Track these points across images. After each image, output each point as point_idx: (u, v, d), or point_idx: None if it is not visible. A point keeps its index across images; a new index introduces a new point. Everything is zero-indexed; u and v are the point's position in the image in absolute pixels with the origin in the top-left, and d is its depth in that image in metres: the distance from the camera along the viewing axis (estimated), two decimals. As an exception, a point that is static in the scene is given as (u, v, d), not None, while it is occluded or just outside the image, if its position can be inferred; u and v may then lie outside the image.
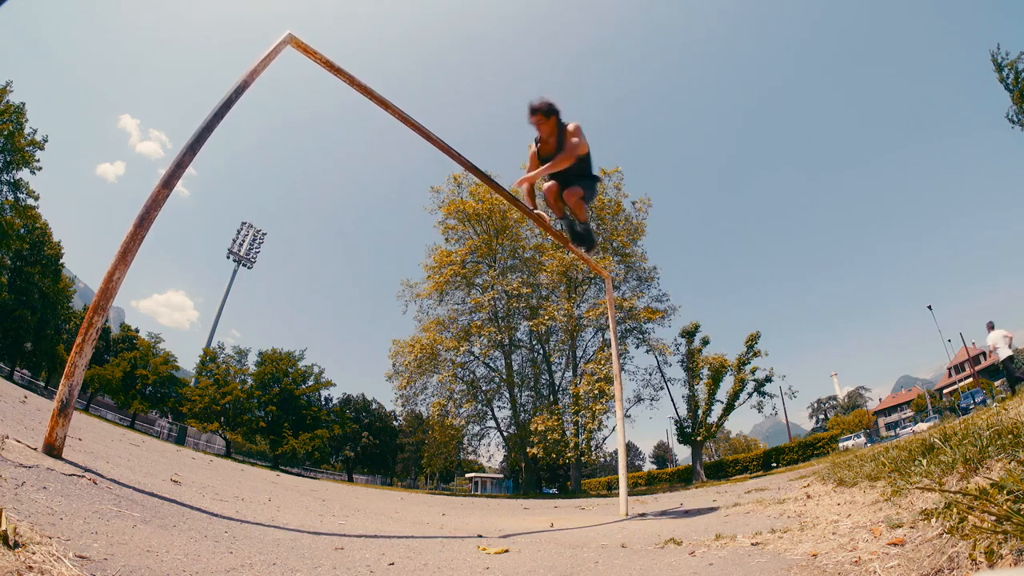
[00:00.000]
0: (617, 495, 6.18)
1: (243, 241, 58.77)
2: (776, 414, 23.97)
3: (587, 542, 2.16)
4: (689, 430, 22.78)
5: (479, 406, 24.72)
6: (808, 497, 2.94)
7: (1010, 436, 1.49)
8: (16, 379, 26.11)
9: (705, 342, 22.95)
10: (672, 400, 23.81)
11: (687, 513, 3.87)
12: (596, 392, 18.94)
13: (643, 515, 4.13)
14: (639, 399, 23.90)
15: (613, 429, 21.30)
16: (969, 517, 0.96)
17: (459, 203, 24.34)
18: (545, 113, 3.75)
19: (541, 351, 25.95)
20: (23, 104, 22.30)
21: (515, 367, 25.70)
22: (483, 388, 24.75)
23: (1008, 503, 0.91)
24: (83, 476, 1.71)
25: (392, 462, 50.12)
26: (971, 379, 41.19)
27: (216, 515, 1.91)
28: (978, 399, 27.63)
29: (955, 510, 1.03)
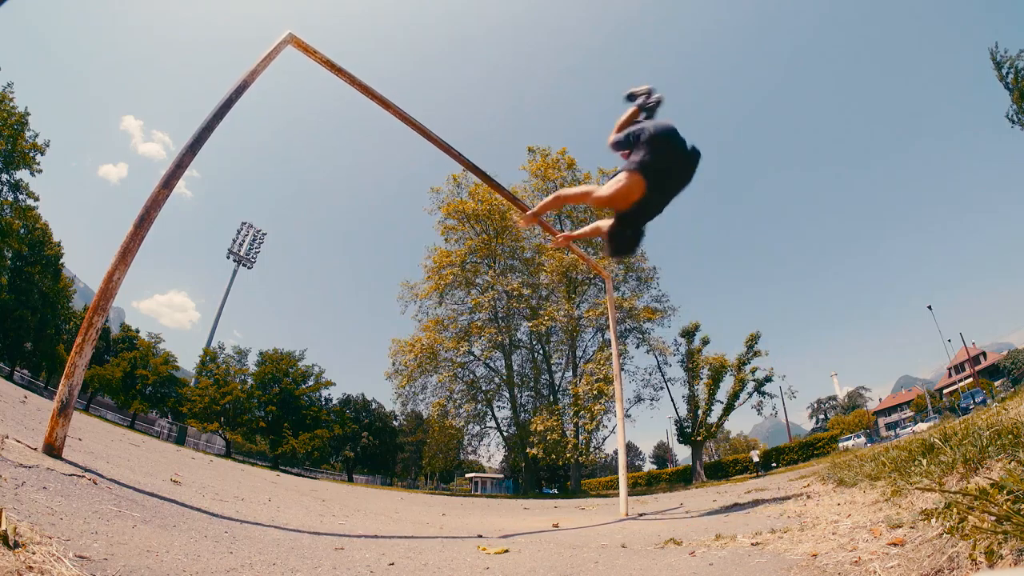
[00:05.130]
0: (617, 495, 6.19)
1: (243, 241, 58.77)
2: (776, 414, 23.99)
3: (587, 542, 2.16)
4: (689, 430, 22.78)
5: (479, 406, 24.73)
6: (808, 497, 2.94)
7: (1010, 436, 1.49)
8: (16, 379, 26.10)
9: (705, 342, 22.95)
10: (672, 400, 23.83)
11: (687, 513, 3.87)
12: (595, 392, 18.95)
13: (643, 515, 4.13)
14: (639, 399, 23.91)
15: (613, 429, 21.33)
16: (969, 517, 0.96)
17: (458, 203, 24.34)
18: None
19: (541, 351, 25.95)
20: (27, 112, 22.35)
21: (515, 367, 25.71)
22: (483, 388, 24.75)
23: (1008, 503, 0.91)
24: (83, 476, 1.71)
25: (392, 462, 50.10)
26: (971, 379, 41.19)
27: (216, 515, 1.91)
28: (978, 399, 27.61)
29: (955, 510, 1.03)
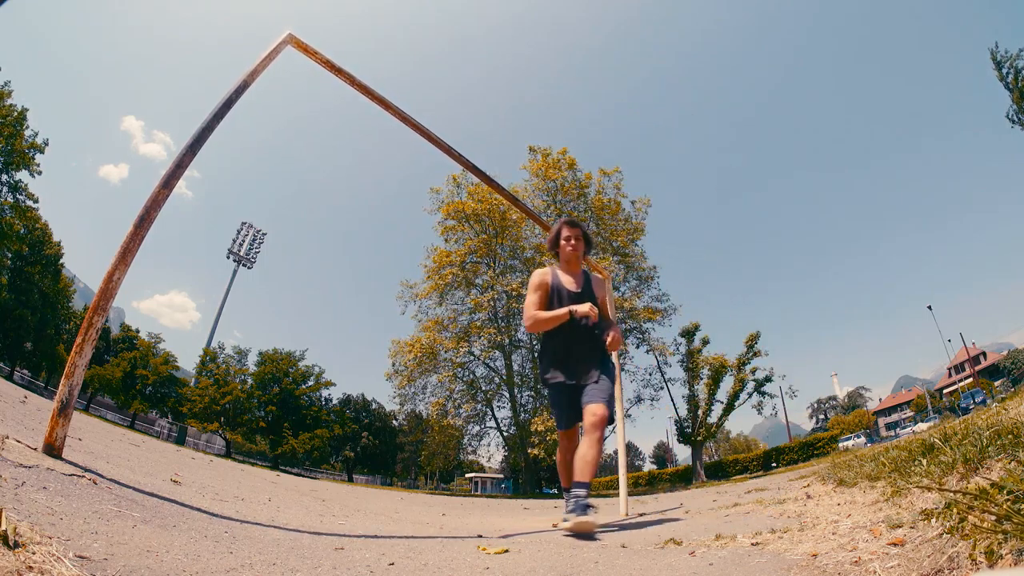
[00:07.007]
0: (617, 495, 6.19)
1: (243, 241, 58.86)
2: (776, 414, 23.99)
3: (587, 542, 2.16)
4: (689, 430, 22.79)
5: (479, 406, 24.74)
6: (808, 497, 2.94)
7: (1010, 436, 1.49)
8: (16, 379, 26.12)
9: (705, 342, 22.96)
10: (672, 400, 23.83)
11: (687, 513, 3.87)
12: (596, 392, 18.95)
13: (643, 515, 4.13)
14: (639, 399, 23.91)
15: (613, 429, 21.30)
16: (969, 517, 0.96)
17: (458, 203, 24.34)
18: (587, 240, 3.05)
19: (541, 351, 25.93)
20: (26, 109, 22.34)
21: (515, 367, 25.72)
22: (483, 388, 24.76)
23: (1008, 503, 0.91)
24: (83, 476, 1.71)
25: (392, 462, 50.14)
26: (971, 379, 41.20)
27: (216, 515, 1.91)
28: (978, 399, 27.65)
29: (955, 510, 1.03)
